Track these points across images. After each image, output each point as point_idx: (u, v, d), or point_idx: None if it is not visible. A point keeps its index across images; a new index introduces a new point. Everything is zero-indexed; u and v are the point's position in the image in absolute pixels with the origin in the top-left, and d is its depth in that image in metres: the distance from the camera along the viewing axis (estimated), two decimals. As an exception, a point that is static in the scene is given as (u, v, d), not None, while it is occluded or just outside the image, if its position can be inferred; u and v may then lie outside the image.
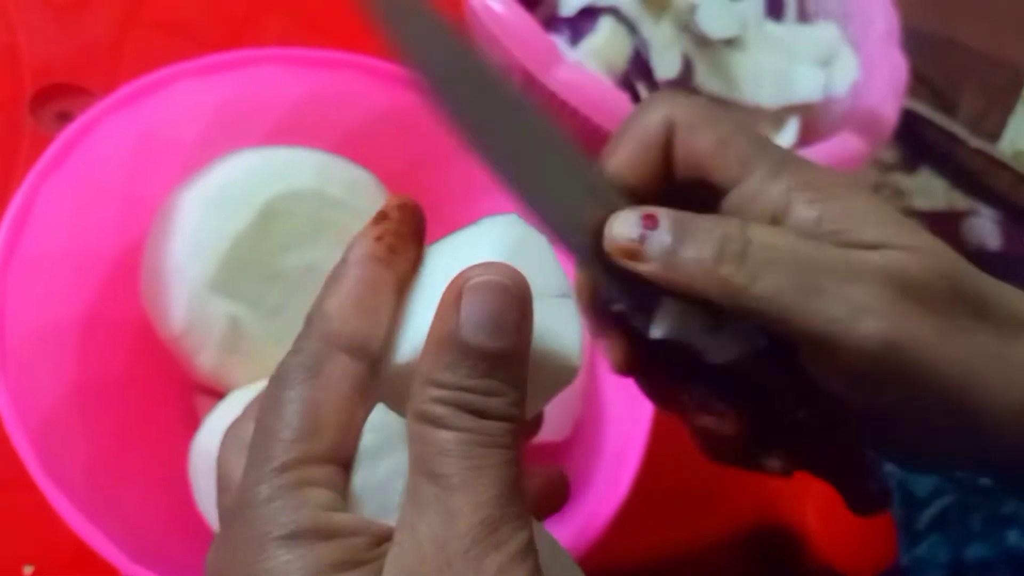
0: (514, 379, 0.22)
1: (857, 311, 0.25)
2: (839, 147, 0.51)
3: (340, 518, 0.22)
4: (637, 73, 0.50)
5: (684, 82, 0.50)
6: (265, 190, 0.37)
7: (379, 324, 0.24)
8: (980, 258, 0.71)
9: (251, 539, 0.21)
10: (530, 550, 0.21)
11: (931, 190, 0.76)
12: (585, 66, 0.48)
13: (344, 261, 0.24)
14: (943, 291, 0.25)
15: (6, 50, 0.47)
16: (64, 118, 0.47)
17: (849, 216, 0.26)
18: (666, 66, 0.50)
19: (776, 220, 0.26)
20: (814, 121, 0.54)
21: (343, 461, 0.23)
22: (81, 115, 0.37)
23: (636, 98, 0.50)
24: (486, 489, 0.21)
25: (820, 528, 0.47)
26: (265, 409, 0.23)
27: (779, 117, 0.54)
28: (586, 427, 0.42)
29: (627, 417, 0.38)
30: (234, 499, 0.22)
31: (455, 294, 0.22)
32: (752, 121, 0.53)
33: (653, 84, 0.50)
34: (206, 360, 0.36)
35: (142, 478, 0.37)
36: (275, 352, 0.36)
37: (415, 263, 0.25)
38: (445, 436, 0.21)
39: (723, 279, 0.25)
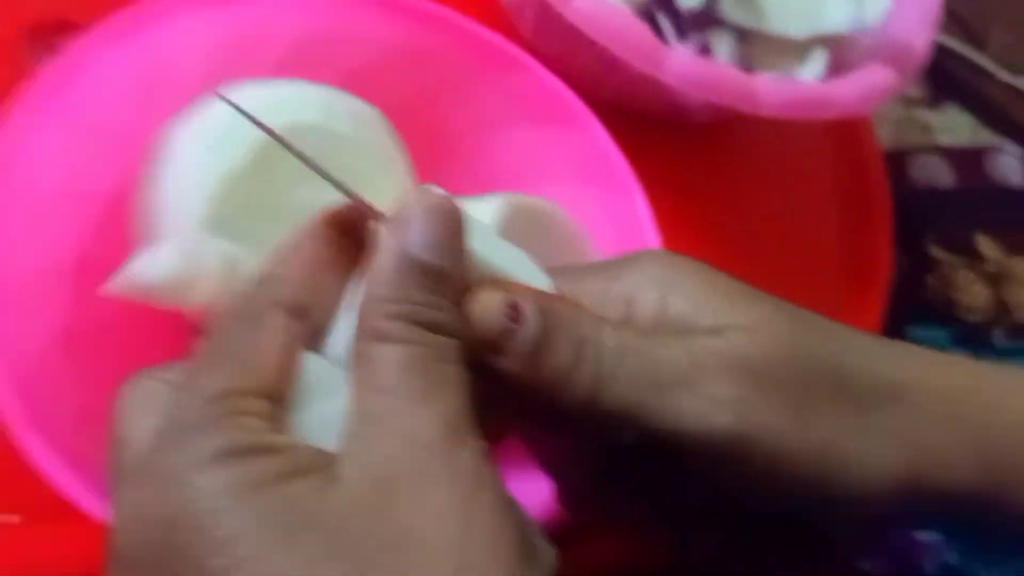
0: (455, 297, 0.23)
1: (706, 406, 0.24)
2: (868, 79, 0.49)
3: (278, 437, 0.21)
4: (659, 4, 0.48)
5: (709, 14, 0.48)
6: (270, 122, 0.35)
7: (323, 294, 0.25)
8: (1004, 195, 0.69)
9: (177, 465, 0.20)
10: (491, 455, 0.22)
11: (956, 126, 0.74)
12: (603, -4, 0.46)
13: (297, 233, 0.26)
14: (792, 371, 0.25)
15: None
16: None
17: (687, 301, 0.26)
18: (689, -5, 0.47)
19: (624, 320, 0.26)
20: (843, 52, 0.52)
21: (277, 400, 0.22)
22: (70, 45, 0.36)
23: (657, 31, 0.47)
24: (447, 401, 0.22)
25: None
26: (200, 352, 0.23)
27: (806, 48, 0.51)
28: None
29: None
30: (151, 441, 0.21)
31: (401, 217, 0.23)
32: (776, 53, 0.51)
33: (676, 15, 0.48)
34: (198, 298, 0.35)
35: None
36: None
37: None
38: (398, 351, 0.22)
39: (580, 388, 0.24)
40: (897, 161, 0.69)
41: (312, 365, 0.24)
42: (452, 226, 0.24)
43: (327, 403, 0.23)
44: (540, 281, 0.27)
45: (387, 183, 0.37)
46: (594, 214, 0.40)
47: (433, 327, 0.23)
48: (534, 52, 0.52)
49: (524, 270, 0.27)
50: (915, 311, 0.62)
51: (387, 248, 0.23)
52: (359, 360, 0.23)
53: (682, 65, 0.43)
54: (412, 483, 0.20)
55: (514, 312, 0.24)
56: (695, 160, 0.55)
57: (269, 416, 0.22)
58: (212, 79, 0.38)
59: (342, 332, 0.24)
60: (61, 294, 0.35)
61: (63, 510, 0.29)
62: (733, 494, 0.26)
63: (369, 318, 0.23)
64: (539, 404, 0.25)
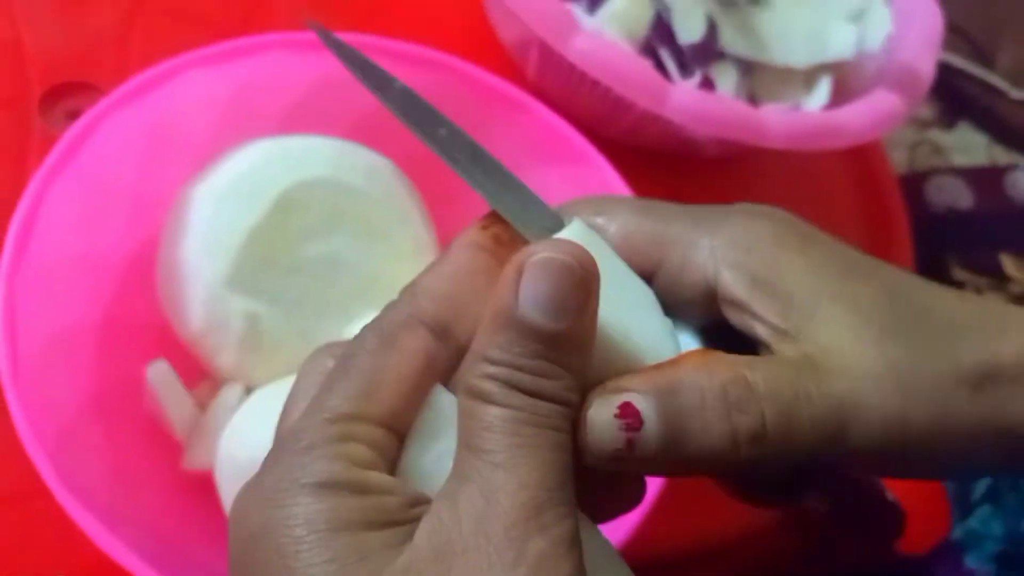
0: (571, 362, 0.21)
1: (876, 434, 0.22)
2: (874, 105, 0.49)
3: (375, 476, 0.21)
4: (659, 39, 0.48)
5: (709, 45, 0.48)
6: (279, 181, 0.36)
7: (467, 311, 0.23)
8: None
9: (280, 482, 0.20)
10: (576, 541, 0.20)
11: (971, 146, 0.74)
12: (604, 34, 0.46)
13: (450, 245, 0.24)
14: (900, 327, 0.23)
15: (11, 48, 0.46)
16: (74, 117, 0.45)
17: (775, 280, 0.23)
18: (689, 29, 0.48)
19: (709, 291, 0.24)
20: (847, 79, 0.52)
21: (397, 429, 0.22)
22: (86, 112, 0.36)
23: (659, 65, 0.48)
24: (532, 470, 0.20)
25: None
26: (334, 367, 0.22)
27: (810, 77, 0.51)
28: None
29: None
30: (275, 443, 0.22)
31: (516, 270, 0.21)
32: (781, 82, 0.51)
33: (677, 49, 0.48)
34: (227, 359, 0.35)
35: (167, 482, 0.36)
36: (297, 347, 0.36)
37: None
38: (493, 411, 0.20)
39: (747, 459, 0.22)
40: (913, 184, 0.68)
41: (439, 400, 0.22)
42: (574, 284, 0.21)
43: (445, 444, 0.22)
44: (662, 341, 0.24)
45: (403, 235, 0.38)
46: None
47: (537, 393, 0.21)
48: (540, 93, 0.53)
49: (646, 326, 0.24)
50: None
51: (498, 300, 0.21)
52: (462, 414, 0.21)
53: (685, 100, 0.43)
54: (468, 562, 0.19)
55: (630, 417, 0.22)
56: (707, 194, 0.54)
57: (382, 446, 0.21)
58: (223, 135, 0.39)
59: None
60: (87, 357, 0.36)
61: (104, 566, 0.29)
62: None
63: (470, 374, 0.21)
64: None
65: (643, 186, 0.53)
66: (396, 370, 0.22)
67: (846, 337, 0.23)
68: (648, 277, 0.25)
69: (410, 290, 0.23)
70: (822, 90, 0.50)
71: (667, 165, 0.54)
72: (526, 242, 0.23)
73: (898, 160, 0.77)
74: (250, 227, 0.35)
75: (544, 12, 0.44)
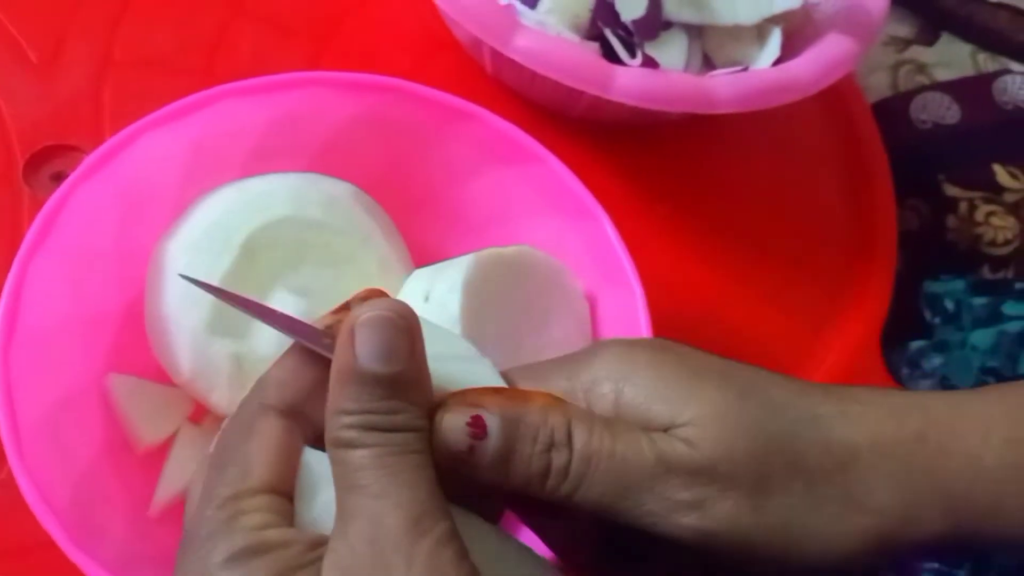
0: (414, 396, 0.25)
1: (670, 507, 0.26)
2: (827, 52, 0.49)
3: (272, 533, 0.24)
4: (604, 19, 0.49)
5: (653, 17, 0.49)
6: (243, 227, 0.38)
7: (313, 393, 0.27)
8: (1017, 119, 0.68)
9: (196, 567, 0.24)
10: (454, 536, 0.24)
11: (955, 58, 0.73)
12: (547, 27, 0.47)
13: (292, 344, 0.28)
14: (744, 460, 0.27)
15: (-9, 122, 0.49)
16: (59, 179, 0.48)
17: (639, 392, 0.27)
18: (631, 6, 0.49)
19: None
20: (798, 29, 0.52)
21: (282, 492, 0.26)
22: (65, 176, 0.39)
23: (607, 48, 0.49)
24: (403, 491, 0.24)
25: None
26: (209, 464, 0.27)
27: (762, 31, 0.52)
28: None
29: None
30: (184, 536, 0.26)
31: (349, 332, 0.25)
32: (733, 40, 0.52)
33: (623, 27, 0.49)
34: (219, 399, 0.38)
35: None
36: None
37: None
38: (359, 453, 0.24)
39: (550, 490, 0.26)
40: (898, 106, 0.68)
41: (310, 460, 0.27)
42: (397, 332, 0.25)
43: (326, 494, 0.26)
44: (489, 375, 0.28)
45: (367, 256, 0.40)
46: (571, 242, 0.42)
47: (390, 427, 0.25)
48: (499, 85, 0.54)
49: (484, 374, 0.28)
50: (937, 261, 0.62)
51: (338, 361, 0.25)
52: (333, 463, 0.25)
53: (630, 83, 0.44)
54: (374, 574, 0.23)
55: (478, 427, 0.26)
56: (678, 159, 0.56)
57: (275, 509, 0.25)
58: (192, 184, 0.41)
59: None
60: (93, 413, 0.38)
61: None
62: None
63: (332, 428, 0.25)
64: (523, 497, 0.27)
65: (612, 161, 0.55)
66: (259, 450, 0.26)
67: (688, 432, 0.27)
68: None
69: (258, 384, 0.27)
70: (773, 44, 0.51)
71: (633, 136, 0.55)
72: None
73: (880, 83, 0.76)
74: (222, 274, 0.37)
75: (483, 14, 0.45)
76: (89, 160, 0.39)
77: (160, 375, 0.40)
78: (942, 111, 0.70)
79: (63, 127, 0.49)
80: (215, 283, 0.37)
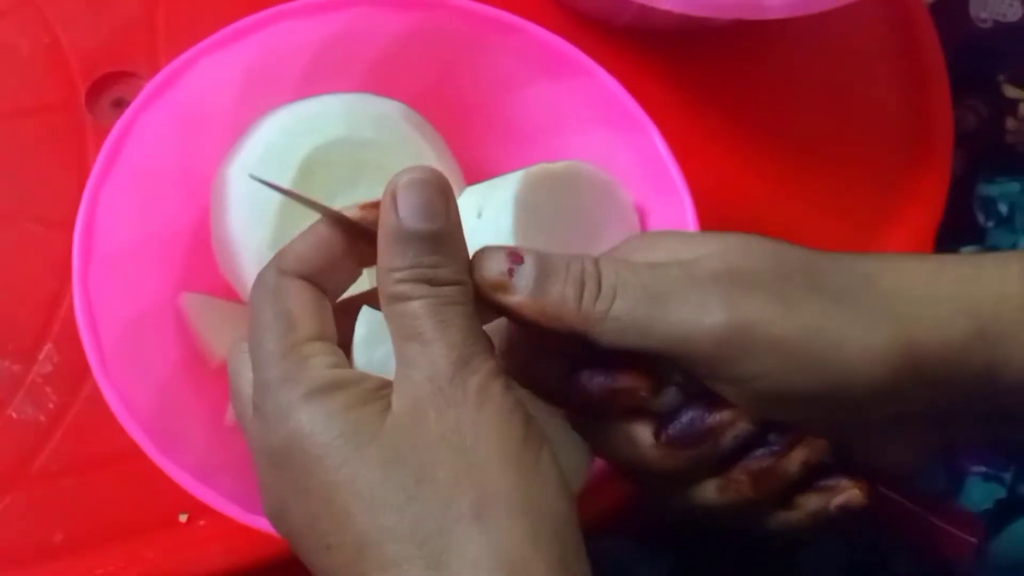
0: (454, 251, 0.28)
1: (700, 309, 0.28)
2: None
3: (345, 371, 0.28)
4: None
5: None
6: (299, 148, 0.39)
7: (331, 274, 0.30)
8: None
9: (278, 413, 0.27)
10: (499, 372, 0.27)
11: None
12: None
13: (318, 220, 0.30)
14: (769, 272, 0.29)
15: (52, 52, 0.50)
16: (119, 105, 0.50)
17: (668, 243, 0.31)
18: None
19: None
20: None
21: (329, 337, 0.29)
22: (127, 102, 0.40)
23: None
24: (454, 334, 0.27)
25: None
26: (251, 329, 0.29)
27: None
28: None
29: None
30: (254, 395, 0.28)
31: (391, 196, 0.28)
32: None
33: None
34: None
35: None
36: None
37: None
38: (413, 305, 0.27)
39: (584, 310, 0.29)
40: (957, 3, 0.66)
41: (370, 317, 0.31)
42: (435, 193, 0.28)
43: (384, 347, 0.30)
44: None
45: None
46: (621, 154, 0.43)
47: (436, 280, 0.27)
48: (548, -5, 0.54)
49: None
50: (993, 163, 0.61)
51: (384, 224, 0.28)
52: (388, 318, 0.28)
53: (679, -13, 0.44)
54: (435, 406, 0.26)
55: (515, 257, 0.29)
56: (725, 65, 0.56)
57: (330, 351, 0.28)
58: (249, 107, 0.42)
59: None
60: (168, 331, 0.41)
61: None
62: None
63: (385, 285, 0.28)
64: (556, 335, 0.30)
65: (659, 70, 0.54)
66: (296, 305, 0.28)
67: (713, 251, 0.30)
68: None
69: (278, 255, 0.30)
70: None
71: (679, 45, 0.54)
72: (371, 235, 0.29)
73: (939, -21, 0.74)
74: (281, 196, 0.39)
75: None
76: (150, 86, 0.40)
77: (229, 292, 0.42)
78: (1003, 7, 0.67)
79: (120, 54, 0.51)
80: (275, 204, 0.39)
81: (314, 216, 0.39)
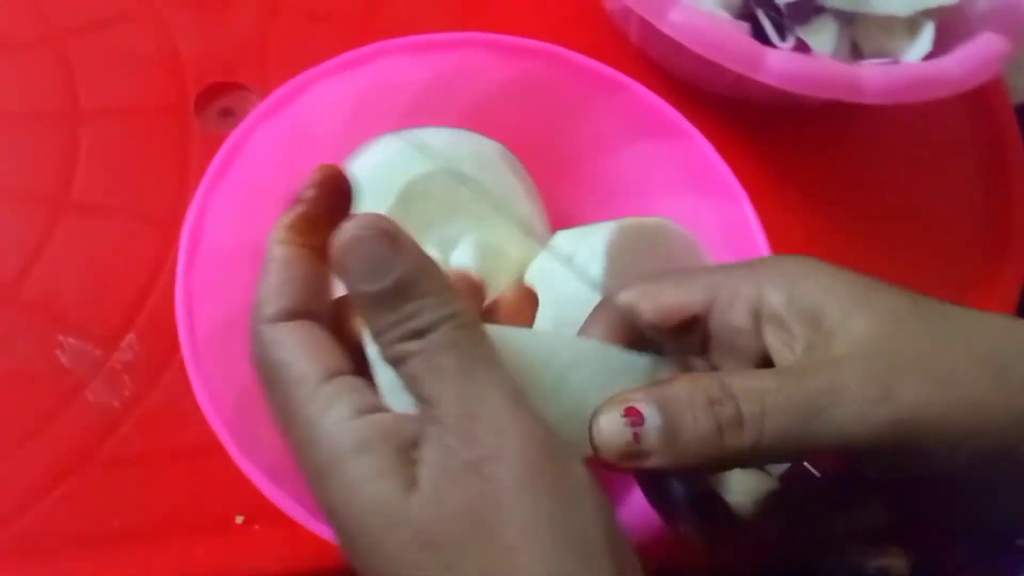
0: (427, 286, 0.25)
1: (860, 412, 0.25)
2: (978, 50, 0.49)
3: (366, 424, 0.25)
4: (758, 2, 0.50)
5: (807, 1, 0.50)
6: (402, 175, 0.40)
7: (314, 295, 0.28)
8: None
9: (314, 476, 0.26)
10: (519, 399, 0.25)
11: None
12: (700, 2, 0.48)
13: (265, 255, 0.29)
14: (929, 347, 0.26)
15: (168, 57, 0.53)
16: (226, 114, 0.52)
17: (814, 294, 0.27)
18: (786, -12, 0.49)
19: (755, 313, 0.28)
20: (952, 23, 0.52)
21: (343, 372, 0.26)
22: (239, 123, 0.42)
23: (757, 28, 0.49)
24: (451, 389, 0.24)
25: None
26: (266, 397, 0.28)
27: (913, 24, 0.52)
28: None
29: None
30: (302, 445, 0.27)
31: (335, 264, 0.25)
32: (884, 31, 0.52)
33: (775, 9, 0.50)
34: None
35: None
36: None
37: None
38: (411, 365, 0.25)
39: (731, 447, 0.26)
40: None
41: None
42: (375, 244, 0.25)
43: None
44: (641, 365, 0.30)
45: (511, 213, 0.42)
46: (706, 220, 0.44)
47: (421, 330, 0.25)
48: (643, 57, 0.55)
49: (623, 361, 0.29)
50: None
51: (349, 294, 0.26)
52: (402, 380, 0.26)
53: (780, 65, 0.45)
54: (461, 475, 0.24)
55: (633, 414, 0.26)
56: (813, 144, 0.57)
57: (346, 393, 0.26)
58: (352, 133, 0.43)
59: None
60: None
61: (277, 511, 0.36)
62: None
63: (382, 351, 0.26)
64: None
65: (746, 140, 0.56)
66: (307, 342, 0.27)
67: (859, 333, 0.27)
68: (703, 315, 0.29)
69: (254, 306, 0.28)
70: (925, 38, 0.51)
71: (773, 117, 0.56)
72: (333, 217, 0.27)
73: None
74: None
75: (641, -12, 0.47)
76: (267, 101, 0.41)
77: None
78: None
79: (232, 66, 0.53)
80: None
81: (412, 232, 0.41)
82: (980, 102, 0.60)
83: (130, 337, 0.47)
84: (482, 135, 0.44)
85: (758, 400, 0.26)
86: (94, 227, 0.48)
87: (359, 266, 0.25)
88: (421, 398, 0.25)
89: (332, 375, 0.26)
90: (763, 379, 0.26)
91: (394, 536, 0.24)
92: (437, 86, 0.45)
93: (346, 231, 0.25)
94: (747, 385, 0.26)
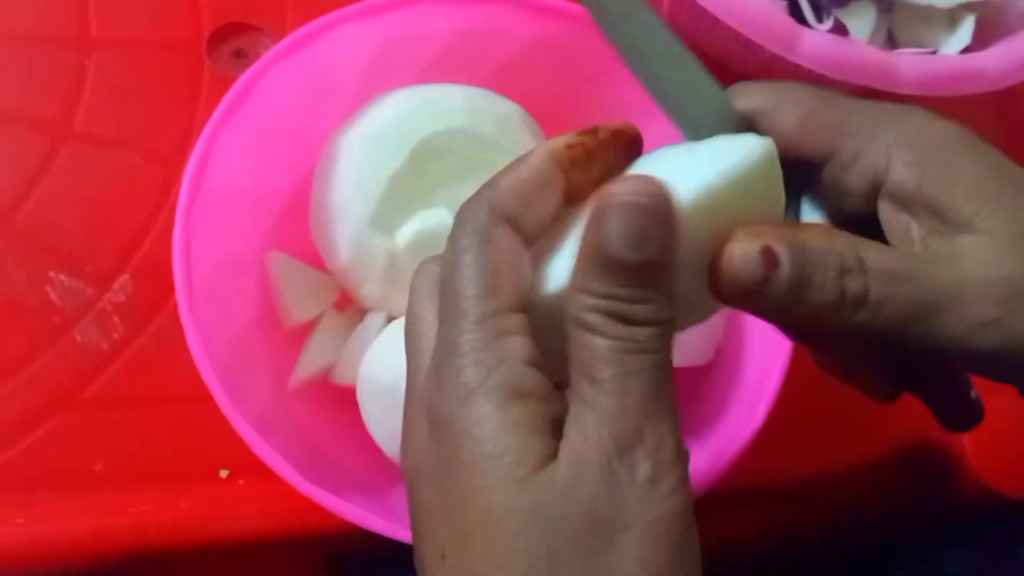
0: (659, 286, 0.24)
1: (969, 329, 0.24)
2: (1017, 48, 0.47)
3: (536, 377, 0.24)
4: (797, -19, 0.48)
5: (848, -13, 0.48)
6: (418, 131, 0.39)
7: (538, 213, 0.26)
8: None
9: (455, 389, 0.24)
10: (677, 458, 0.23)
11: None
12: (739, -22, 0.46)
13: (532, 152, 0.26)
14: None
15: (185, -5, 0.51)
16: (238, 55, 0.50)
17: (946, 182, 0.25)
18: (827, -28, 0.47)
19: (876, 183, 0.26)
20: (992, 19, 0.50)
21: (524, 309, 0.25)
22: (252, 64, 0.40)
23: (794, 8, 0.48)
24: (635, 395, 0.23)
25: (977, 447, 0.46)
26: (448, 272, 0.25)
27: (953, 16, 0.50)
28: (727, 352, 0.43)
29: (768, 343, 0.39)
30: (439, 349, 0.25)
31: (603, 211, 0.24)
32: (923, 21, 0.50)
33: (814, -8, 0.48)
34: (369, 291, 0.39)
35: (318, 395, 0.41)
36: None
37: (596, 183, 0.26)
38: (600, 343, 0.23)
39: (843, 319, 0.25)
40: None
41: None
42: (654, 219, 0.24)
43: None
44: (778, 210, 0.27)
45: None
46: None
47: (631, 319, 0.23)
48: (675, 30, 0.53)
49: (771, 205, 0.26)
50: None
51: (589, 238, 0.24)
52: (570, 341, 0.24)
53: (816, 46, 0.44)
54: (596, 478, 0.23)
55: (770, 258, 0.25)
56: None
57: (528, 335, 0.24)
58: (371, 83, 0.42)
59: (567, 259, 0.25)
60: (252, 279, 0.41)
61: (263, 465, 0.34)
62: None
63: (573, 306, 0.24)
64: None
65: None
66: (504, 263, 0.25)
67: (988, 243, 0.25)
68: (820, 164, 0.27)
69: (488, 187, 0.26)
70: (964, 31, 0.49)
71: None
72: (605, 171, 0.26)
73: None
74: (391, 173, 0.38)
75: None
76: (285, 42, 0.40)
77: (313, 259, 0.42)
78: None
79: (249, 6, 0.51)
80: (384, 179, 0.39)
81: (422, 191, 0.39)
82: (1012, 104, 0.58)
83: (124, 278, 0.45)
84: (504, 97, 0.42)
85: (887, 284, 0.25)
86: (95, 159, 0.47)
87: (624, 228, 0.23)
88: (592, 375, 0.24)
89: (524, 308, 0.25)
90: (896, 261, 0.25)
91: (511, 494, 0.23)
92: (462, 41, 0.43)
93: (631, 190, 0.24)
94: (882, 265, 0.25)
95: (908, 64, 0.45)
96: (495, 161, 0.40)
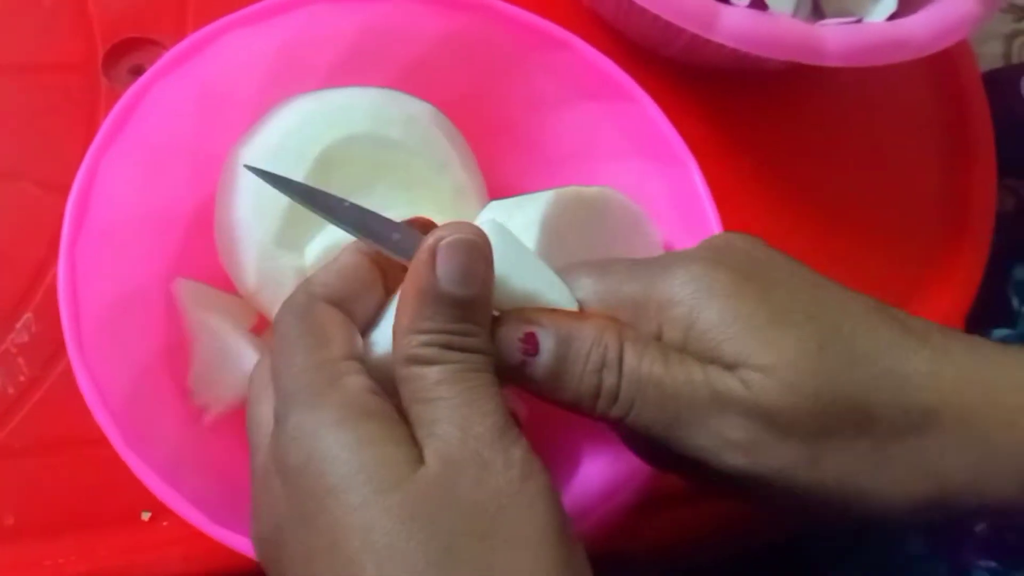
0: (482, 320, 0.26)
1: (721, 445, 0.26)
2: (947, 11, 0.46)
3: (377, 403, 0.25)
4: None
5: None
6: (320, 139, 0.37)
7: (364, 302, 0.29)
8: None
9: (301, 430, 0.24)
10: (532, 449, 0.25)
11: (1074, 31, 0.69)
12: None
13: (342, 250, 0.29)
14: (809, 413, 0.25)
15: (75, 9, 0.48)
16: (138, 72, 0.47)
17: (715, 321, 0.26)
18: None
19: (659, 327, 0.27)
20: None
21: (359, 357, 0.27)
22: (143, 72, 0.38)
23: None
24: (486, 402, 0.25)
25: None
26: (277, 348, 0.27)
27: (878, -16, 0.49)
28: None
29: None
30: (278, 406, 0.26)
31: (430, 254, 0.26)
32: None
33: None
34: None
35: (239, 430, 0.39)
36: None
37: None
38: (436, 369, 0.25)
39: (599, 411, 0.27)
40: (1008, 81, 0.64)
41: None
42: (478, 258, 0.26)
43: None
44: (566, 301, 0.28)
45: (442, 181, 0.38)
46: (653, 188, 0.40)
47: (464, 348, 0.25)
48: (594, 17, 0.52)
49: (553, 292, 0.28)
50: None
51: (419, 281, 0.26)
52: (402, 381, 0.26)
53: (735, 23, 0.42)
54: (471, 469, 0.24)
55: (530, 344, 0.27)
56: (771, 110, 0.54)
57: (366, 375, 0.26)
58: (272, 90, 0.39)
59: (391, 325, 0.27)
60: (155, 312, 0.38)
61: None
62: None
63: (406, 346, 0.25)
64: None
65: (701, 106, 0.52)
66: (330, 324, 0.27)
67: (753, 376, 0.26)
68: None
69: (306, 283, 0.28)
70: (890, -3, 0.48)
71: (728, 82, 0.52)
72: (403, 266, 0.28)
73: (992, 53, 0.72)
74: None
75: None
76: (170, 54, 0.37)
77: (225, 283, 0.39)
78: (1054, 89, 0.66)
79: (146, 20, 0.49)
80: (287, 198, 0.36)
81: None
82: (945, 69, 0.57)
83: (27, 317, 0.43)
84: (413, 96, 0.40)
85: (638, 388, 0.26)
86: (-11, 194, 0.44)
87: (454, 266, 0.25)
88: (432, 397, 0.25)
89: (358, 359, 0.27)
90: (653, 366, 0.26)
91: (384, 502, 0.23)
92: (365, 42, 0.41)
93: (460, 232, 0.26)
94: (635, 367, 0.26)
95: (833, 35, 0.43)
96: (405, 164, 0.38)
